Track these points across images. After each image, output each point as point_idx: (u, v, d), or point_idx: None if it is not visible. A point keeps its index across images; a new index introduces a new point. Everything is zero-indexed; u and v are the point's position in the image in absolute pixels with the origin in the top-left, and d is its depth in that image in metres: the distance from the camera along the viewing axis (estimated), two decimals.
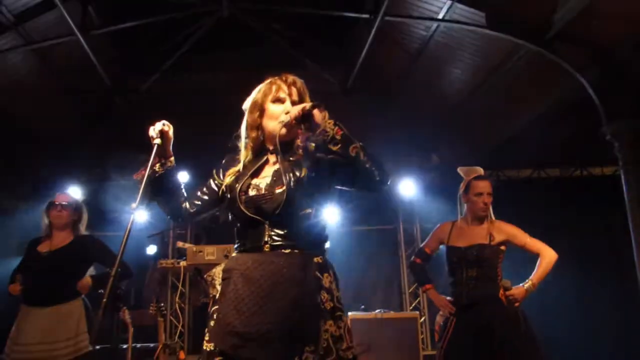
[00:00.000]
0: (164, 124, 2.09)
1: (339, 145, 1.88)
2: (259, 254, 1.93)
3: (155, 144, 2.05)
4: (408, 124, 7.66)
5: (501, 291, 3.31)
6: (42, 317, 3.41)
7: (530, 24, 5.00)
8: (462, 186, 3.64)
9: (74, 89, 6.89)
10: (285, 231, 1.94)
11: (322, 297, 1.92)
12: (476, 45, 5.64)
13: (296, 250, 1.93)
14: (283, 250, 1.92)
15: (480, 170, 3.65)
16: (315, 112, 1.89)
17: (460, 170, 3.75)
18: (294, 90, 2.08)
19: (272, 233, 1.94)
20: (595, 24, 4.76)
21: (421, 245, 3.83)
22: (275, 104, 2.06)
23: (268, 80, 2.12)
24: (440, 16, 5.32)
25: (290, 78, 2.10)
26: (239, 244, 2.04)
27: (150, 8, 5.97)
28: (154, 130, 2.06)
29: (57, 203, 3.79)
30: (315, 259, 1.96)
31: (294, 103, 2.04)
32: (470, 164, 3.73)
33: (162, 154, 2.11)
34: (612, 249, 7.50)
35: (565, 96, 5.82)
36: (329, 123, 1.89)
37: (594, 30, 4.86)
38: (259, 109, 2.08)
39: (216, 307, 1.96)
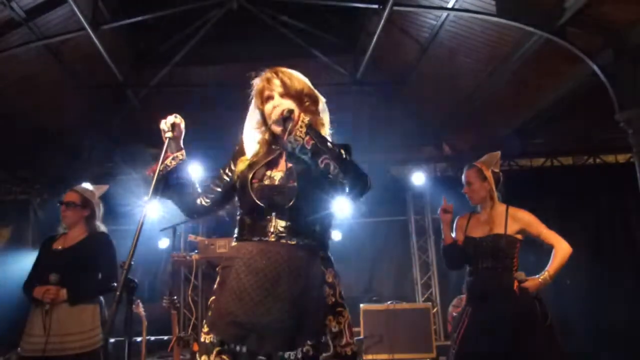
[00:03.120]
0: (175, 117, 2.09)
1: (308, 156, 1.86)
2: (264, 243, 1.91)
3: (167, 137, 2.05)
4: (418, 114, 7.64)
5: (515, 283, 3.27)
6: (55, 310, 3.43)
7: (541, 10, 4.94)
8: None
9: (86, 84, 6.92)
10: (292, 224, 1.92)
11: (325, 291, 1.91)
12: (487, 34, 5.58)
13: (301, 243, 1.92)
14: (288, 242, 1.91)
15: (495, 156, 3.60)
16: (294, 116, 1.89)
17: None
18: (274, 83, 2.05)
19: (278, 224, 1.92)
20: (606, 10, 4.70)
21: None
22: (267, 102, 2.06)
23: (253, 83, 2.12)
24: (449, 5, 5.27)
25: (267, 73, 2.08)
26: (241, 233, 2.01)
27: (160, 1, 5.99)
28: (165, 124, 2.06)
29: (63, 202, 3.73)
30: (320, 253, 1.96)
31: (281, 95, 2.04)
32: (481, 153, 3.69)
33: (173, 147, 2.11)
34: (626, 236, 7.45)
35: (577, 83, 5.76)
36: (300, 131, 1.86)
37: (605, 16, 4.80)
38: (259, 111, 2.11)
39: (214, 297, 1.95)
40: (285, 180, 1.97)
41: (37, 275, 3.59)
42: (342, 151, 1.90)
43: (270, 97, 2.05)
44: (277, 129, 2.00)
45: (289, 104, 2.00)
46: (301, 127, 1.87)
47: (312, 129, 1.90)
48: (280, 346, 1.79)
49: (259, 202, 1.94)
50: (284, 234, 1.91)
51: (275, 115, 1.96)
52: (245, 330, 1.80)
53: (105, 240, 3.78)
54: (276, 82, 2.05)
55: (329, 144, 1.88)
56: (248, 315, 1.81)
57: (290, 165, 2.01)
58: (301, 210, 1.92)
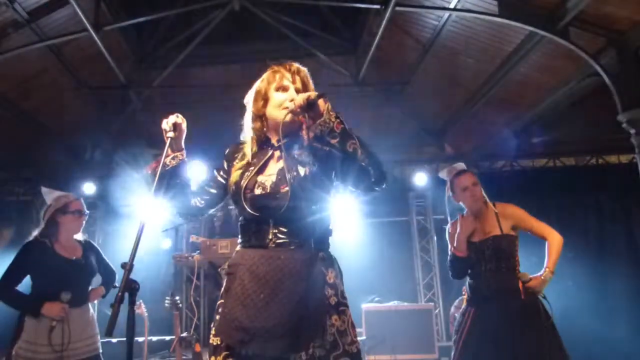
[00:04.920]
0: (177, 117, 2.09)
1: (337, 139, 1.87)
2: (265, 249, 1.93)
3: (168, 137, 2.05)
4: (420, 115, 7.63)
5: (520, 284, 3.27)
6: (70, 318, 3.44)
7: (544, 10, 4.94)
8: (447, 189, 3.62)
9: (88, 85, 6.94)
10: (290, 228, 1.94)
11: (327, 292, 1.93)
12: (489, 34, 5.58)
13: (301, 247, 1.93)
14: (288, 247, 1.92)
15: (461, 166, 3.61)
16: (320, 101, 1.88)
17: (440, 174, 3.74)
18: (297, 78, 2.07)
19: (276, 230, 1.94)
20: (609, 10, 4.69)
21: (450, 253, 3.65)
22: (279, 92, 2.05)
23: (271, 69, 2.12)
24: (451, 5, 5.26)
25: (294, 66, 2.10)
26: (243, 240, 2.03)
27: (163, 2, 6.00)
28: (167, 123, 2.07)
29: (80, 210, 3.66)
30: (320, 255, 1.97)
31: (297, 91, 2.04)
32: (483, 153, 3.69)
33: (174, 147, 2.11)
34: (628, 237, 7.42)
35: (580, 84, 5.75)
36: (331, 115, 1.88)
37: (608, 16, 4.79)
38: (263, 97, 2.08)
39: (221, 301, 1.97)
40: (277, 186, 1.96)
41: (50, 281, 3.48)
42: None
43: (285, 88, 2.05)
44: (292, 117, 1.97)
45: None
46: (330, 110, 1.88)
47: (339, 116, 1.90)
48: (285, 349, 1.82)
49: (254, 213, 1.95)
50: (282, 239, 1.93)
51: (298, 101, 1.93)
52: (250, 334, 1.83)
53: (96, 246, 3.88)
54: (297, 78, 2.07)
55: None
56: (252, 320, 1.83)
57: (281, 167, 2.00)
58: (297, 213, 1.93)
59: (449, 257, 3.56)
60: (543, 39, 5.19)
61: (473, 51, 5.99)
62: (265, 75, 2.12)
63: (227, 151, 2.19)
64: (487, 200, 3.47)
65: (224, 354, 1.88)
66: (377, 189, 1.96)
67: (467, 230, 3.42)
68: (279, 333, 1.81)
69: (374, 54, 6.34)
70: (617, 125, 4.99)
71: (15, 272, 3.53)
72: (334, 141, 1.88)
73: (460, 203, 3.55)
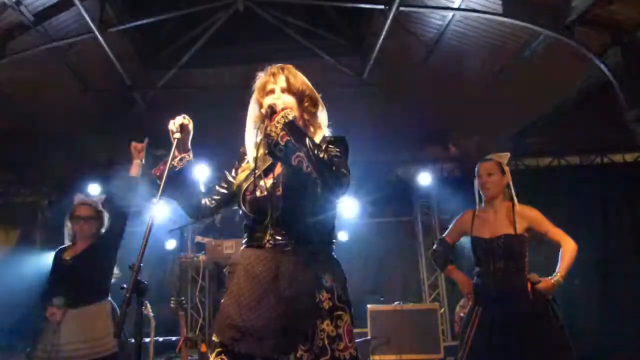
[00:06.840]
0: (184, 118, 2.11)
1: (282, 152, 1.88)
2: (262, 250, 1.96)
3: (175, 138, 2.07)
4: (425, 114, 7.61)
5: (529, 285, 3.25)
6: (71, 317, 3.46)
7: (549, 9, 4.93)
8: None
9: (93, 86, 6.95)
10: (287, 230, 1.96)
11: (322, 296, 1.93)
12: (493, 33, 5.57)
13: (298, 248, 1.94)
14: (284, 249, 1.94)
15: (499, 156, 3.57)
16: (283, 112, 1.92)
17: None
18: (279, 77, 2.09)
19: (274, 232, 1.96)
20: (614, 8, 4.68)
21: (442, 236, 3.76)
22: (268, 96, 2.08)
23: (257, 77, 2.16)
24: (455, 5, 5.26)
25: (274, 68, 2.13)
26: (245, 240, 2.07)
27: (167, 3, 6.01)
28: (174, 125, 2.08)
29: (79, 216, 3.73)
30: (319, 257, 1.98)
31: (282, 90, 2.07)
32: (488, 154, 3.67)
33: (181, 148, 2.13)
34: (634, 236, 7.40)
35: (585, 82, 5.74)
36: (276, 128, 1.89)
37: (613, 15, 4.78)
38: (259, 105, 2.12)
39: (222, 300, 2.01)
40: (273, 189, 1.99)
41: (50, 289, 3.60)
42: (329, 148, 1.93)
43: (271, 92, 2.08)
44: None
45: (288, 99, 2.05)
46: (278, 122, 1.90)
47: (292, 125, 1.90)
48: (274, 350, 1.83)
49: (251, 214, 2.00)
50: (279, 241, 1.96)
51: (265, 108, 2.00)
52: (241, 332, 1.85)
53: (107, 234, 3.85)
54: (281, 77, 2.09)
55: (307, 141, 1.87)
56: (243, 318, 1.86)
57: (280, 171, 2.02)
58: (294, 215, 1.96)
59: (436, 241, 3.66)
60: (547, 38, 5.18)
61: (477, 50, 5.97)
62: (255, 85, 2.16)
63: (240, 151, 2.22)
64: (514, 197, 3.45)
65: (217, 350, 1.90)
66: (334, 197, 1.96)
67: (465, 224, 3.54)
68: (267, 333, 1.83)
69: (378, 54, 6.33)
70: (622, 124, 4.98)
71: (49, 280, 3.69)
72: (279, 154, 1.90)
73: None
